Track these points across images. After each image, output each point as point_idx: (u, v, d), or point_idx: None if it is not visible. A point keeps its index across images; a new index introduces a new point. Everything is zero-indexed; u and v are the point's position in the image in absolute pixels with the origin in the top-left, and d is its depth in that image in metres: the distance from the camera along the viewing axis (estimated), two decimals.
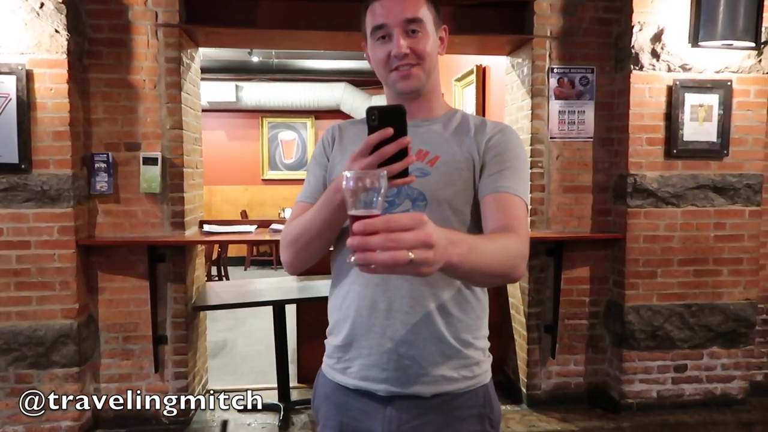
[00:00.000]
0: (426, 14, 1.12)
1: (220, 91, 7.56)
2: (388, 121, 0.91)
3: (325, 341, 1.22)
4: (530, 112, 3.24)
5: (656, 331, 3.20)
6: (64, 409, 2.78)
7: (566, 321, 3.32)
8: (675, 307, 3.21)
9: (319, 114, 8.38)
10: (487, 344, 1.20)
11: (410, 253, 0.70)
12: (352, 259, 0.71)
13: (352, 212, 0.75)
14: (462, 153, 1.13)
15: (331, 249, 1.19)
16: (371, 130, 0.91)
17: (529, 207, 1.07)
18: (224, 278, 6.71)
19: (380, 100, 7.36)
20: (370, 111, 0.92)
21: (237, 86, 7.65)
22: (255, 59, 6.97)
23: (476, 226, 1.12)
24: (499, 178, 1.10)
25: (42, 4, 2.73)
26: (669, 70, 3.11)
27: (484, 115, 4.58)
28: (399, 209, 1.09)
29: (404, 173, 0.92)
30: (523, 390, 3.37)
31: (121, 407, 2.81)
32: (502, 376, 3.68)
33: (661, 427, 3.11)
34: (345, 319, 1.15)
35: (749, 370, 3.33)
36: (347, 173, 0.76)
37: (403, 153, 0.91)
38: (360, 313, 1.12)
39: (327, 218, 1.04)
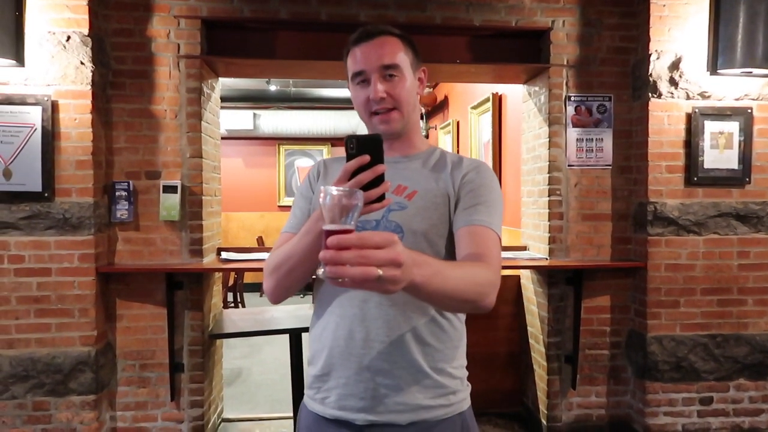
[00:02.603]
0: (403, 59, 1.18)
1: (239, 119, 7.67)
2: (365, 149, 0.95)
3: (306, 370, 1.25)
4: (547, 140, 3.23)
5: (680, 362, 3.12)
6: None
7: (587, 351, 3.25)
8: (699, 338, 3.14)
9: (335, 141, 8.45)
10: (464, 373, 1.22)
11: (379, 270, 0.73)
12: (321, 272, 0.74)
13: (328, 227, 0.78)
14: (438, 188, 1.19)
15: (314, 277, 1.21)
16: (350, 158, 0.96)
17: (502, 240, 1.19)
18: (240, 305, 6.71)
19: None
20: (349, 139, 0.97)
21: (255, 114, 7.76)
22: (273, 88, 7.08)
23: (450, 258, 1.16)
24: (473, 212, 1.14)
25: (68, 38, 2.80)
26: (688, 97, 3.10)
27: (500, 143, 4.59)
28: None
29: (381, 198, 0.96)
30: (543, 422, 3.30)
31: None
32: (522, 408, 3.61)
33: None
34: (323, 349, 1.18)
35: None
36: (324, 188, 0.79)
37: (379, 179, 0.95)
38: (337, 343, 1.15)
39: (308, 245, 1.05)
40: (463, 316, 1.22)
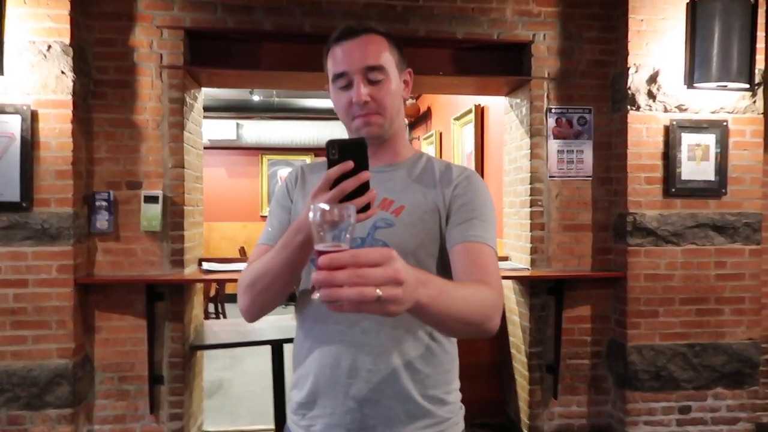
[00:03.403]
0: (388, 59, 1.10)
1: (221, 128, 7.64)
2: (348, 154, 0.88)
3: (290, 394, 1.17)
4: (529, 151, 3.27)
5: (660, 371, 3.16)
6: None
7: (568, 361, 3.28)
8: (678, 347, 3.17)
9: (318, 152, 8.45)
10: (458, 397, 1.15)
11: (378, 290, 0.67)
12: (317, 295, 0.68)
13: (319, 247, 0.72)
14: (427, 202, 1.11)
15: (296, 293, 1.16)
16: (331, 164, 0.89)
17: (498, 253, 1.13)
18: (222, 316, 6.65)
19: None
20: (331, 144, 0.90)
21: (238, 124, 7.73)
22: (256, 98, 7.07)
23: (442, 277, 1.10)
24: (468, 227, 1.07)
25: (49, 47, 2.78)
26: (665, 110, 3.16)
27: (482, 154, 4.63)
28: None
29: (366, 208, 0.89)
30: (525, 431, 3.31)
31: None
32: (504, 418, 3.62)
33: None
34: (307, 375, 1.11)
35: (755, 412, 3.27)
36: (314, 205, 0.73)
37: (364, 187, 0.88)
38: (322, 371, 1.08)
39: (286, 260, 0.98)
40: (455, 339, 1.16)
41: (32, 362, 2.80)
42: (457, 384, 1.16)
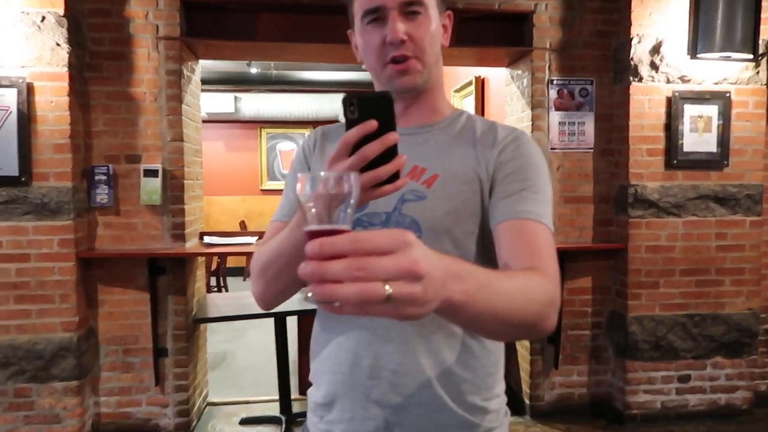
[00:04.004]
0: None
1: (219, 102, 7.56)
2: (370, 112, 0.72)
3: (308, 391, 1.04)
4: (530, 123, 3.24)
5: (659, 341, 3.19)
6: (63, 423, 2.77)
7: (569, 332, 3.30)
8: (678, 318, 3.20)
9: (317, 124, 8.34)
10: (502, 402, 0.98)
11: (387, 287, 0.50)
12: (309, 294, 0.52)
13: (310, 228, 0.57)
14: (466, 170, 0.92)
15: None
16: (350, 125, 0.72)
17: (554, 233, 0.89)
18: (224, 289, 6.68)
19: None
20: (348, 100, 0.73)
21: (236, 97, 7.66)
22: (254, 71, 6.98)
23: (482, 263, 0.90)
24: (517, 202, 0.88)
25: (43, 18, 2.73)
26: (668, 81, 3.13)
27: None
28: None
29: (394, 178, 0.73)
30: (526, 401, 3.35)
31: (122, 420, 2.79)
32: (506, 388, 3.66)
33: None
34: (324, 372, 0.97)
35: (753, 380, 3.32)
36: (302, 174, 0.58)
37: (391, 152, 0.72)
38: (340, 369, 0.93)
39: (299, 241, 0.79)
40: None
41: (37, 336, 2.81)
42: (501, 387, 0.98)
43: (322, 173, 0.58)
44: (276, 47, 3.30)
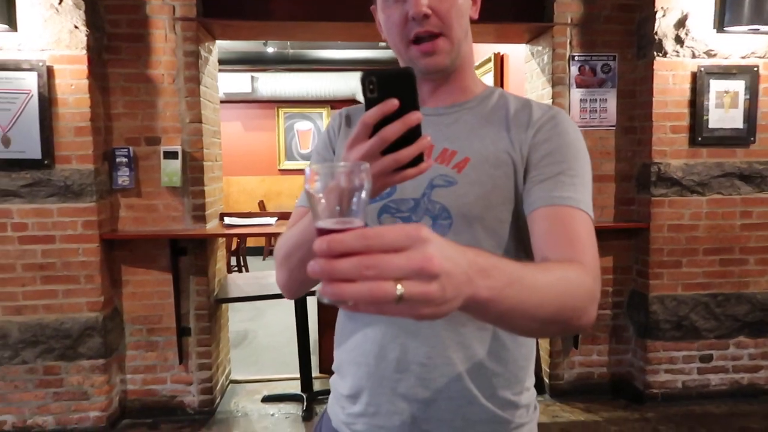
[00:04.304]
0: None
1: (236, 82, 7.56)
2: (391, 90, 0.67)
3: (331, 380, 1.01)
4: (551, 100, 3.19)
5: (681, 321, 3.16)
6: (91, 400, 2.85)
7: None
8: (700, 297, 3.16)
9: (334, 104, 8.36)
10: (532, 396, 0.94)
11: (399, 286, 0.47)
12: (319, 293, 0.50)
13: (320, 224, 0.54)
14: (498, 152, 0.86)
15: None
16: (369, 105, 0.67)
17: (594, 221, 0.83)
18: (244, 269, 6.76)
19: None
20: (367, 78, 0.68)
21: (253, 77, 7.65)
22: (270, 50, 6.96)
23: (517, 252, 0.88)
24: (554, 186, 0.82)
25: (61, 1, 2.74)
26: (693, 56, 3.05)
27: None
28: None
29: (417, 161, 0.68)
30: (546, 380, 3.36)
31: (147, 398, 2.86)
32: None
33: (687, 417, 3.08)
34: (349, 363, 0.93)
35: None
36: (310, 167, 0.55)
37: (414, 133, 0.67)
38: (365, 360, 0.90)
39: None
40: None
41: (64, 315, 2.88)
42: (532, 380, 0.94)
43: (330, 165, 0.55)
44: (293, 26, 3.28)
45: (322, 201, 0.54)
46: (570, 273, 0.71)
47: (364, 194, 0.54)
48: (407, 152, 0.66)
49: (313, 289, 0.86)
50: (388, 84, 0.67)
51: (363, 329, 0.90)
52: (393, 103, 0.65)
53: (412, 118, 0.66)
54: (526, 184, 0.85)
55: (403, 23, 0.84)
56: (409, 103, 0.66)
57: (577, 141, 0.88)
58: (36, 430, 2.90)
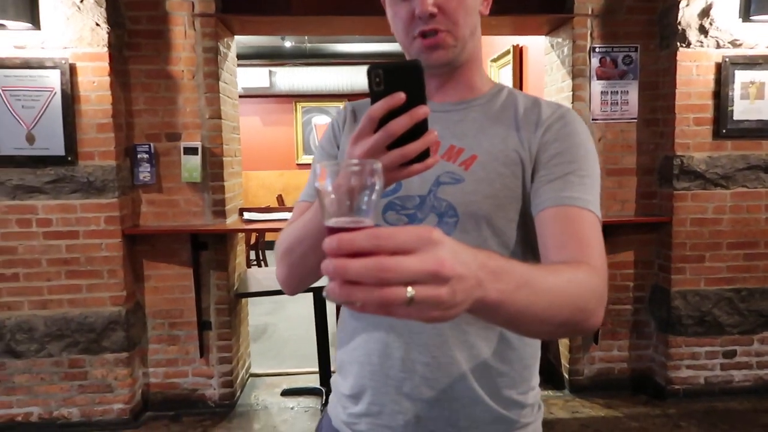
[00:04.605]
0: None
1: (254, 77, 7.59)
2: (397, 83, 0.65)
3: (332, 379, 1.01)
4: (571, 93, 3.15)
5: (704, 316, 3.12)
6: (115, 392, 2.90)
7: (609, 306, 3.25)
8: (724, 292, 3.11)
9: (352, 97, 8.34)
10: (537, 395, 0.94)
11: (409, 289, 0.47)
12: (327, 293, 0.50)
13: (330, 222, 0.54)
14: (507, 151, 0.86)
15: None
16: (375, 98, 0.66)
17: (601, 221, 0.83)
18: (263, 263, 6.81)
19: None
20: (373, 71, 0.67)
21: (270, 72, 7.67)
22: (288, 44, 6.97)
23: (524, 252, 0.87)
24: (563, 186, 0.82)
25: None
26: (718, 46, 2.99)
27: None
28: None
29: (423, 156, 0.67)
30: (566, 375, 3.34)
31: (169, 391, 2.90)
32: (544, 361, 3.64)
33: (709, 414, 3.04)
34: (351, 362, 0.93)
35: None
36: (320, 163, 0.54)
37: (420, 128, 0.65)
38: (370, 359, 0.89)
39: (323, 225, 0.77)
40: None
41: (88, 309, 2.93)
42: (537, 379, 0.94)
43: (341, 163, 0.54)
44: (311, 21, 3.27)
45: (333, 199, 0.53)
46: (579, 275, 0.71)
47: (375, 193, 0.53)
48: (414, 147, 0.65)
49: (314, 285, 0.87)
50: (394, 77, 0.66)
51: (367, 328, 0.90)
52: (400, 97, 0.64)
53: (420, 112, 0.65)
54: (534, 183, 0.85)
55: (410, 20, 0.84)
56: (417, 97, 0.65)
57: (587, 141, 0.87)
58: (61, 422, 2.96)
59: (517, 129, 0.87)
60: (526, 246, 0.87)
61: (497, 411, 0.87)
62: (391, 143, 0.65)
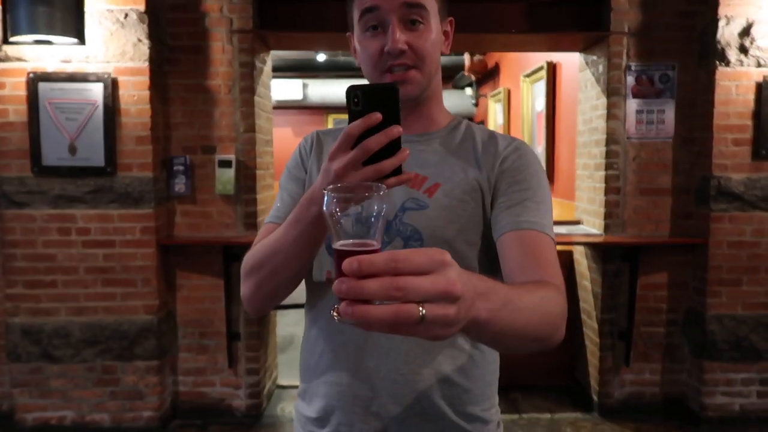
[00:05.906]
0: (430, 1, 0.90)
1: (288, 89, 7.70)
2: (375, 104, 0.70)
3: (295, 405, 1.02)
4: (605, 111, 3.12)
5: (741, 341, 3.03)
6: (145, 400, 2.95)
7: (642, 328, 3.19)
8: (762, 317, 3.02)
9: None
10: (497, 412, 0.99)
11: (421, 308, 0.49)
12: (335, 314, 0.51)
13: (339, 245, 0.55)
14: (467, 180, 0.92)
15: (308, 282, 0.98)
16: (353, 117, 0.70)
17: (555, 242, 0.90)
18: None
19: (447, 94, 7.27)
20: (352, 91, 0.71)
21: (304, 84, 7.77)
22: (321, 57, 7.07)
23: (486, 274, 0.88)
24: (521, 212, 0.88)
25: (126, 15, 2.86)
26: (758, 65, 2.93)
27: (554, 114, 4.46)
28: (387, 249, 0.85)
29: (397, 171, 0.71)
30: (594, 398, 3.28)
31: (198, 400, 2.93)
32: (573, 382, 3.59)
33: None
34: (318, 384, 0.95)
35: None
36: (329, 189, 0.57)
37: (394, 145, 0.70)
38: (338, 380, 0.92)
39: (299, 237, 0.80)
40: None
41: (122, 317, 2.99)
42: (496, 398, 0.99)
43: (349, 187, 0.57)
44: (346, 37, 3.31)
45: (342, 223, 0.56)
46: (549, 293, 0.77)
47: (382, 217, 0.56)
48: (389, 163, 0.70)
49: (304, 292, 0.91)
50: (372, 98, 0.71)
51: (335, 351, 0.92)
52: (377, 116, 0.69)
53: (394, 131, 0.69)
54: (494, 209, 0.91)
55: (379, 55, 0.89)
56: (392, 117, 0.70)
57: (540, 171, 0.94)
58: (93, 426, 3.02)
59: (477, 160, 0.94)
60: (488, 269, 0.92)
61: (462, 426, 0.91)
62: (366, 159, 0.70)
